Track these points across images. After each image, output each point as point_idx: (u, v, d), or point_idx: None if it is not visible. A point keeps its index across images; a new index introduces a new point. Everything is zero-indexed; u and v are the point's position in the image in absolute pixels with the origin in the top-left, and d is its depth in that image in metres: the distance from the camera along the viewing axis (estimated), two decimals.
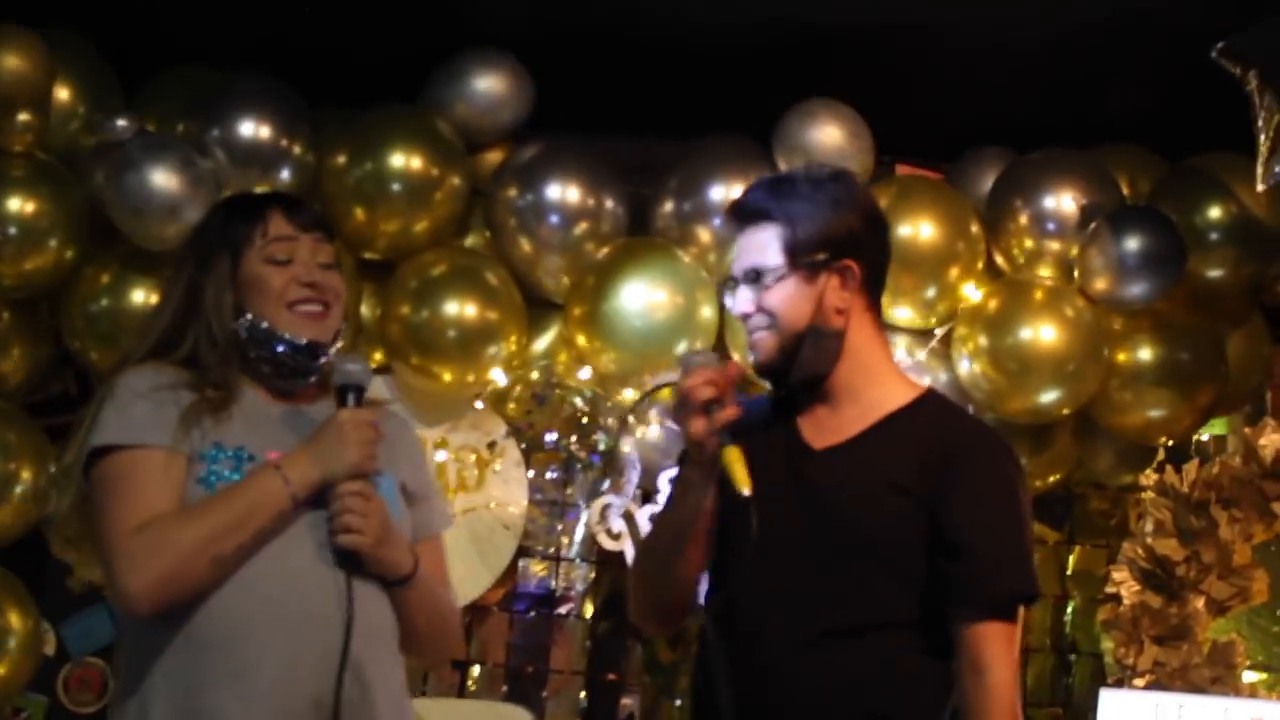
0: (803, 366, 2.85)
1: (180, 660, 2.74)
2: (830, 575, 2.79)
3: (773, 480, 2.84)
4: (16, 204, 4.32)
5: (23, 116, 4.31)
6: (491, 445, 4.76)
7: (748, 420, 2.92)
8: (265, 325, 2.85)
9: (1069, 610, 5.31)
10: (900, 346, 4.70)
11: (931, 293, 4.64)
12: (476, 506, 4.75)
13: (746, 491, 2.71)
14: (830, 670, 2.77)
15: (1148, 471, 4.95)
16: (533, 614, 5.26)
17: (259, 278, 2.87)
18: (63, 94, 4.49)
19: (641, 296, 4.53)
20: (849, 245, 2.84)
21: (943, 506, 2.77)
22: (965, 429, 2.93)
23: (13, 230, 4.31)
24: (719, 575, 2.92)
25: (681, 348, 4.55)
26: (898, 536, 2.78)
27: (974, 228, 4.68)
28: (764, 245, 2.84)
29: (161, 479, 2.76)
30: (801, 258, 2.82)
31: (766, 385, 2.99)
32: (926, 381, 4.64)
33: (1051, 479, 4.89)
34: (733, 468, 2.72)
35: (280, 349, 2.86)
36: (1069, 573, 5.31)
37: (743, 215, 2.89)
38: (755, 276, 2.84)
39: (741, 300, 2.87)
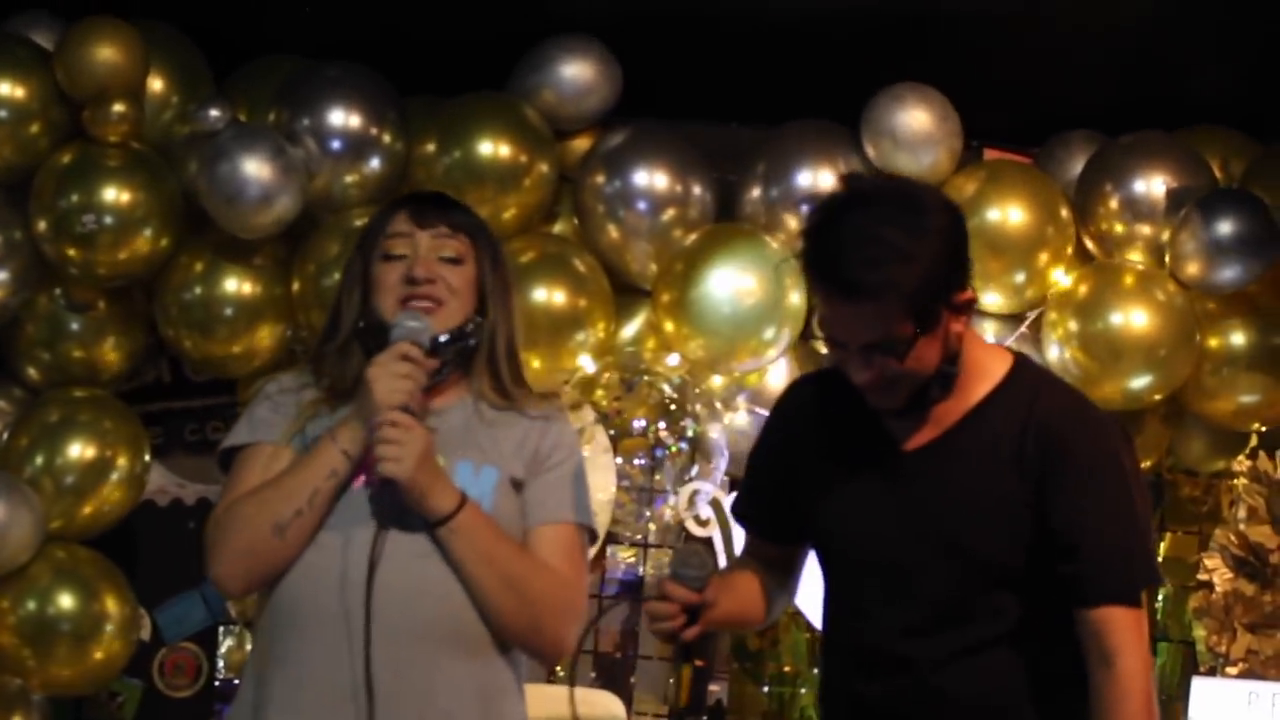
0: (931, 400, 2.72)
1: (259, 644, 2.86)
2: (943, 593, 2.71)
3: (865, 489, 2.78)
4: (112, 193, 4.38)
5: (118, 107, 4.36)
6: (580, 432, 4.76)
7: (833, 393, 2.82)
8: (377, 319, 2.87)
9: (1160, 598, 5.28)
10: (989, 331, 4.67)
11: (1021, 278, 4.61)
12: None
13: (682, 704, 2.74)
14: (961, 689, 2.71)
15: (1240, 457, 4.91)
16: (621, 600, 5.28)
17: (376, 274, 2.90)
18: (156, 84, 4.54)
19: (729, 283, 4.53)
20: (956, 279, 2.67)
21: (1051, 504, 2.66)
22: (1063, 411, 2.75)
23: (109, 219, 4.37)
24: (831, 594, 2.86)
25: (769, 334, 4.56)
26: (1001, 548, 2.69)
27: (1064, 212, 4.65)
28: (878, 318, 2.62)
29: (260, 471, 2.83)
30: (926, 316, 2.62)
31: None
32: None
33: (1142, 465, 4.85)
34: (680, 681, 2.73)
35: (380, 340, 2.88)
36: (1160, 560, 5.27)
37: (845, 290, 2.63)
38: (879, 349, 2.64)
39: (859, 370, 2.67)
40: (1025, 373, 2.80)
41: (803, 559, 2.97)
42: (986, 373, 2.76)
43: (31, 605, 4.43)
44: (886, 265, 2.58)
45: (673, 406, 4.70)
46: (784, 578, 2.97)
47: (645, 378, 4.68)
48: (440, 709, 2.75)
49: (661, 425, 4.70)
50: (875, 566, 2.75)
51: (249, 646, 4.95)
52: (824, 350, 2.81)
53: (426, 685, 2.74)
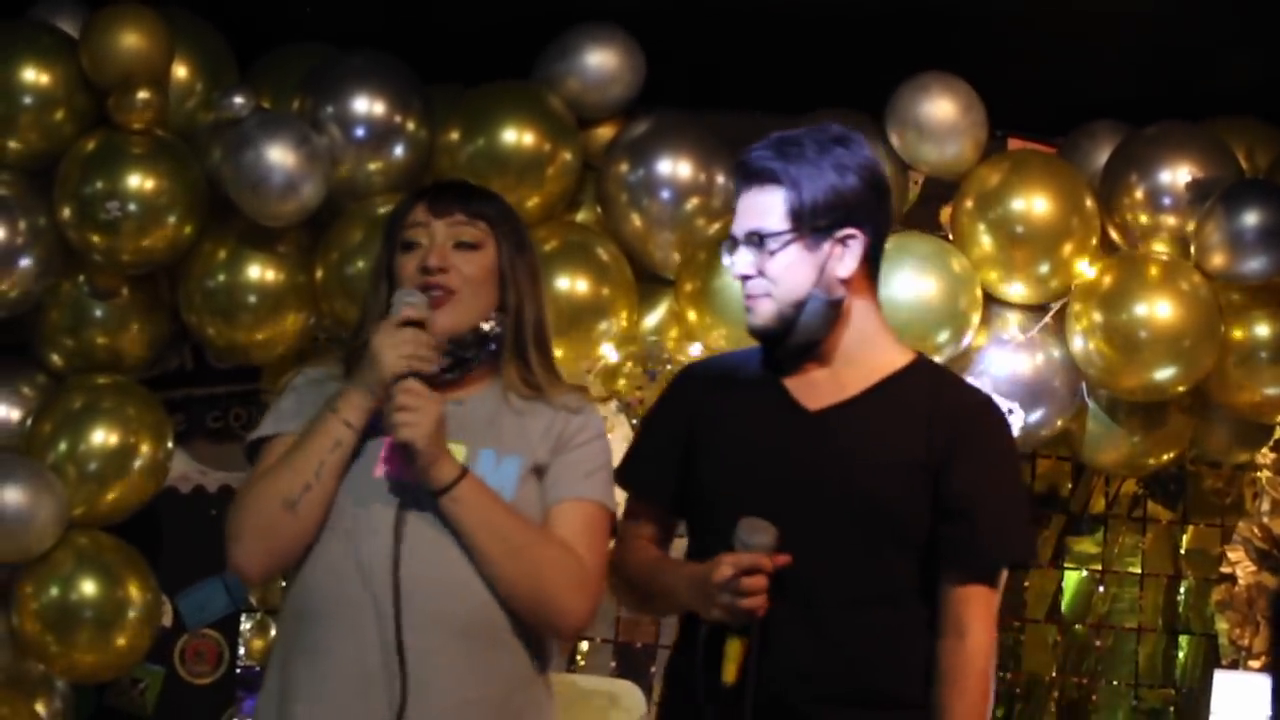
0: (800, 332, 2.86)
1: (282, 633, 2.89)
2: (839, 544, 2.79)
3: (766, 444, 2.87)
4: (136, 180, 4.37)
5: (142, 94, 4.35)
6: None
7: (731, 370, 2.99)
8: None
9: (1182, 590, 5.27)
10: (1013, 322, 4.67)
11: (1045, 268, 4.60)
12: None
13: (729, 681, 2.71)
14: (835, 641, 2.77)
15: (1264, 450, 4.90)
16: None
17: (397, 266, 2.94)
18: (181, 71, 4.54)
19: None
20: (853, 213, 2.85)
21: (945, 473, 2.80)
22: (967, 397, 2.97)
23: (133, 206, 4.36)
24: (705, 547, 2.87)
25: None
26: (906, 505, 2.80)
27: (1088, 202, 4.64)
28: (767, 209, 2.84)
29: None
30: (806, 225, 2.82)
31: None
32: (1039, 359, 4.64)
33: (1165, 457, 4.84)
34: (729, 655, 2.71)
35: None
36: (1183, 552, 5.27)
37: (747, 174, 2.89)
38: (758, 240, 2.84)
39: (741, 262, 2.88)
40: (930, 364, 3.00)
41: (672, 538, 3.05)
42: (890, 353, 2.93)
43: (54, 591, 4.43)
44: (786, 159, 2.82)
45: None
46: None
47: (668, 367, 4.68)
48: (463, 698, 2.76)
49: None
50: (774, 520, 2.77)
51: (271, 633, 4.97)
52: (727, 262, 2.94)
53: (452, 674, 2.75)
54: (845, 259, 2.85)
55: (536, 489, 2.89)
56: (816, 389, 2.88)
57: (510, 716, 2.81)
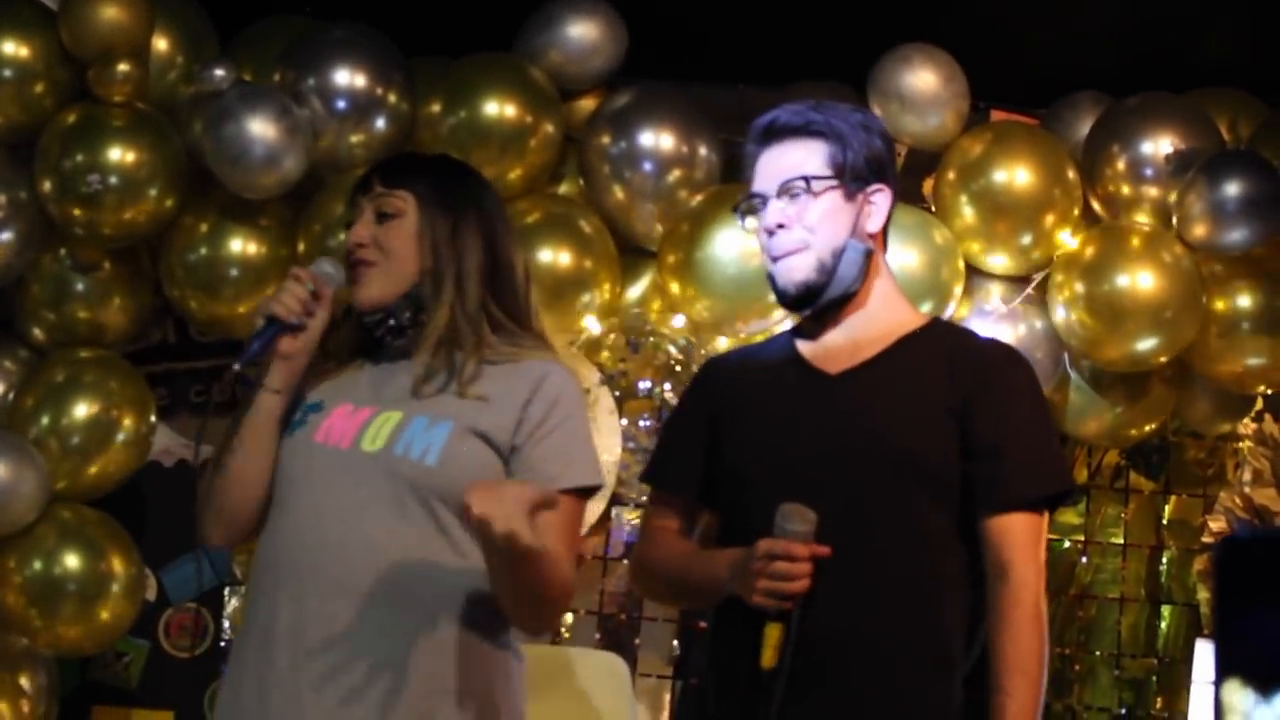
0: (839, 283, 2.86)
1: None
2: (871, 501, 2.77)
3: (789, 414, 2.86)
4: (117, 154, 4.37)
5: (123, 67, 4.34)
6: (585, 393, 4.76)
7: (750, 356, 3.05)
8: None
9: (1164, 560, 5.28)
10: (995, 293, 4.67)
11: (1027, 239, 4.60)
12: None
13: (767, 666, 2.68)
14: (874, 598, 2.75)
15: (1246, 420, 4.91)
16: (626, 561, 5.28)
17: None
18: (161, 44, 4.53)
19: (735, 244, 4.52)
20: (884, 171, 2.91)
21: (973, 413, 2.79)
22: (989, 345, 3.00)
23: (113, 180, 4.36)
24: (736, 528, 2.87)
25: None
26: (934, 454, 2.78)
27: (1070, 173, 4.64)
28: (803, 160, 2.87)
29: None
30: (846, 176, 2.85)
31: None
32: (1021, 330, 4.64)
33: (1148, 428, 4.85)
34: (767, 640, 2.69)
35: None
36: (1165, 522, 5.28)
37: (782, 130, 2.91)
38: (800, 186, 2.85)
39: (774, 212, 2.87)
40: (947, 323, 3.09)
41: (698, 527, 3.03)
42: (908, 315, 2.96)
43: (38, 565, 4.44)
44: (822, 113, 2.89)
45: (678, 368, 4.69)
46: None
47: (651, 339, 4.68)
48: (366, 660, 2.72)
49: (667, 387, 4.70)
50: (805, 483, 2.76)
51: None
52: (749, 224, 2.98)
53: (353, 636, 2.73)
54: (874, 215, 2.90)
55: (471, 445, 2.79)
56: (835, 356, 2.89)
57: (436, 682, 2.74)
